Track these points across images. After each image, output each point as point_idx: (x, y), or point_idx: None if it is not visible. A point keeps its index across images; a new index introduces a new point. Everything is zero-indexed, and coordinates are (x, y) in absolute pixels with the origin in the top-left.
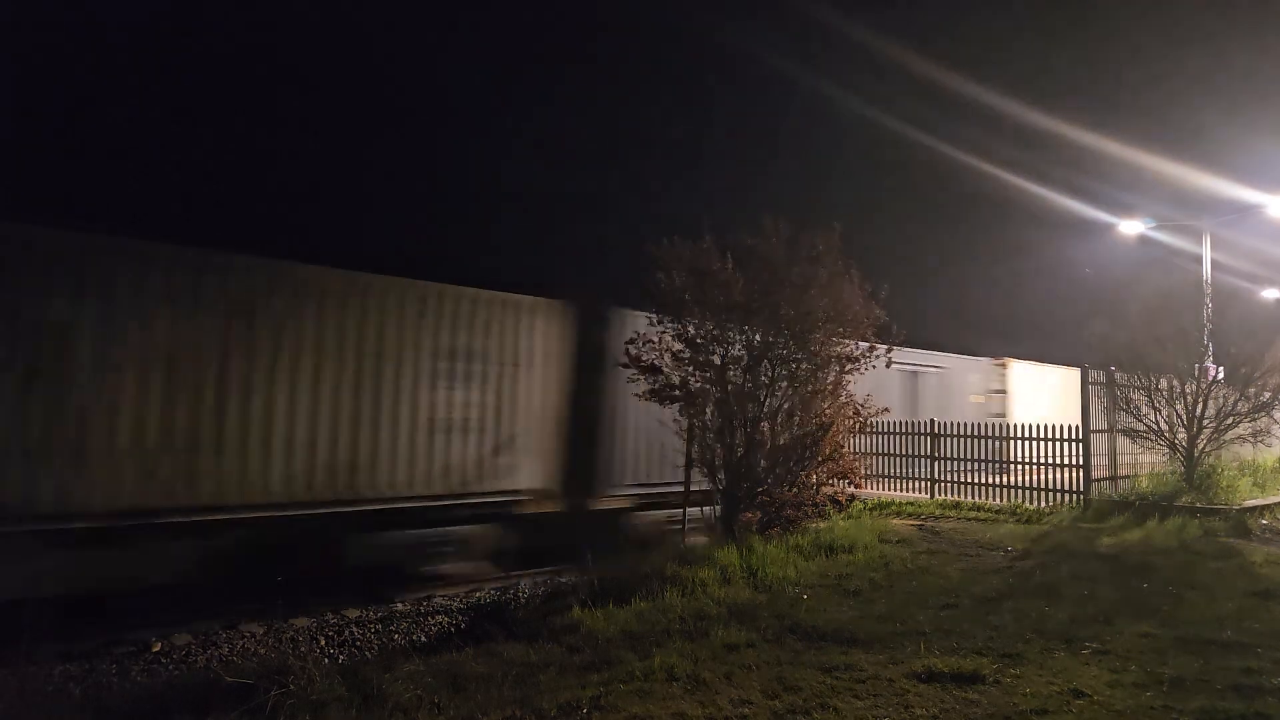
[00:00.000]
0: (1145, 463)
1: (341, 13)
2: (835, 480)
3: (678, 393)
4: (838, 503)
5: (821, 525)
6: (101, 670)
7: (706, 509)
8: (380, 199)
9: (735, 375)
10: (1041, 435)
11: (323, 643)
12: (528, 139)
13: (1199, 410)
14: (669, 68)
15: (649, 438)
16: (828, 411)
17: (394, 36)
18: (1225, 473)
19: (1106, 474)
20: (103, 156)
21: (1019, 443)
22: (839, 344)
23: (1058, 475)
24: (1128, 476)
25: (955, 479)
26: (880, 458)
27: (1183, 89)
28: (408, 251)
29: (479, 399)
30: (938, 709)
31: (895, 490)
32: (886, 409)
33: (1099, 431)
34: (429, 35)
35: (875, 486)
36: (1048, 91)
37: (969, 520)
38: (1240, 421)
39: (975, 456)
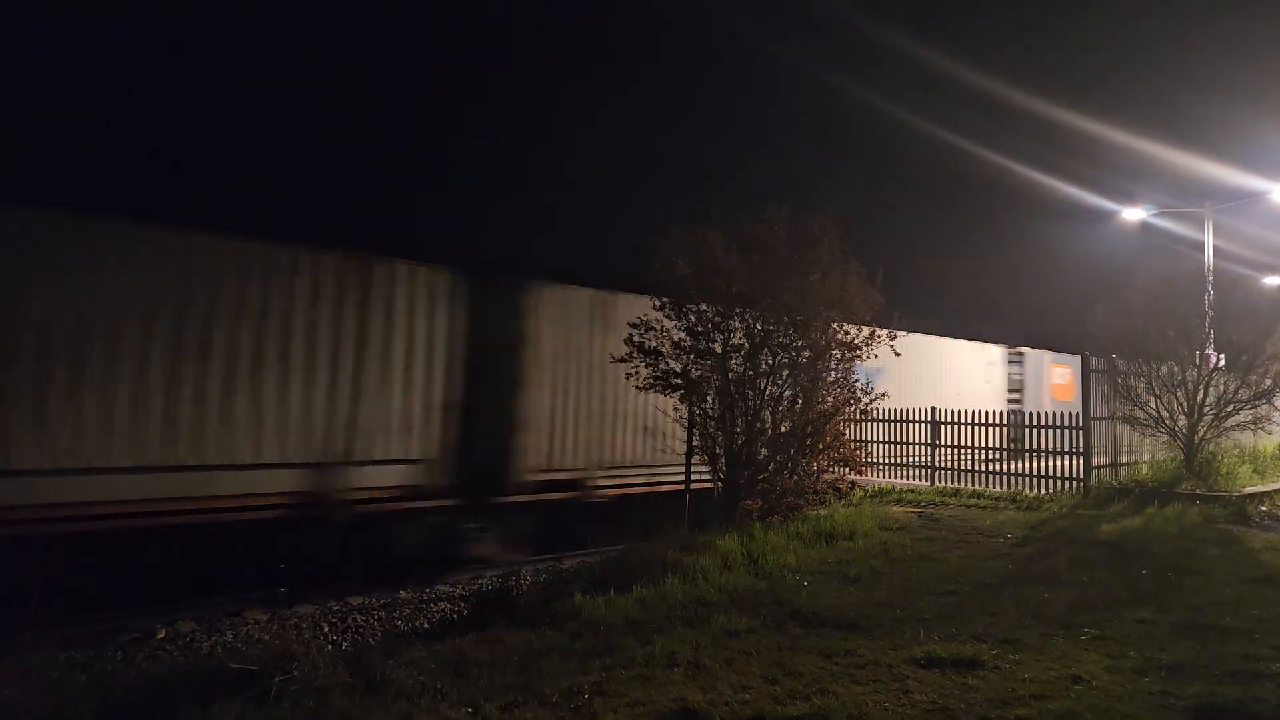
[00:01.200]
0: (1145, 449)
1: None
2: (836, 467)
3: (678, 380)
4: (838, 490)
5: (822, 512)
6: (106, 657)
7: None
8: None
9: (736, 363)
10: (1042, 423)
11: (326, 629)
12: (535, 126)
13: (1200, 397)
14: (675, 55)
15: None
16: (829, 399)
17: (407, 28)
18: (1225, 460)
19: (1106, 461)
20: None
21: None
22: (839, 331)
23: (1058, 462)
24: (1128, 464)
25: (954, 466)
26: (880, 444)
27: (1186, 76)
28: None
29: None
30: (937, 694)
31: (895, 477)
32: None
33: (1099, 419)
34: (443, 21)
35: (875, 474)
36: (1050, 79)
37: (969, 507)
38: (1241, 408)
39: (975, 444)
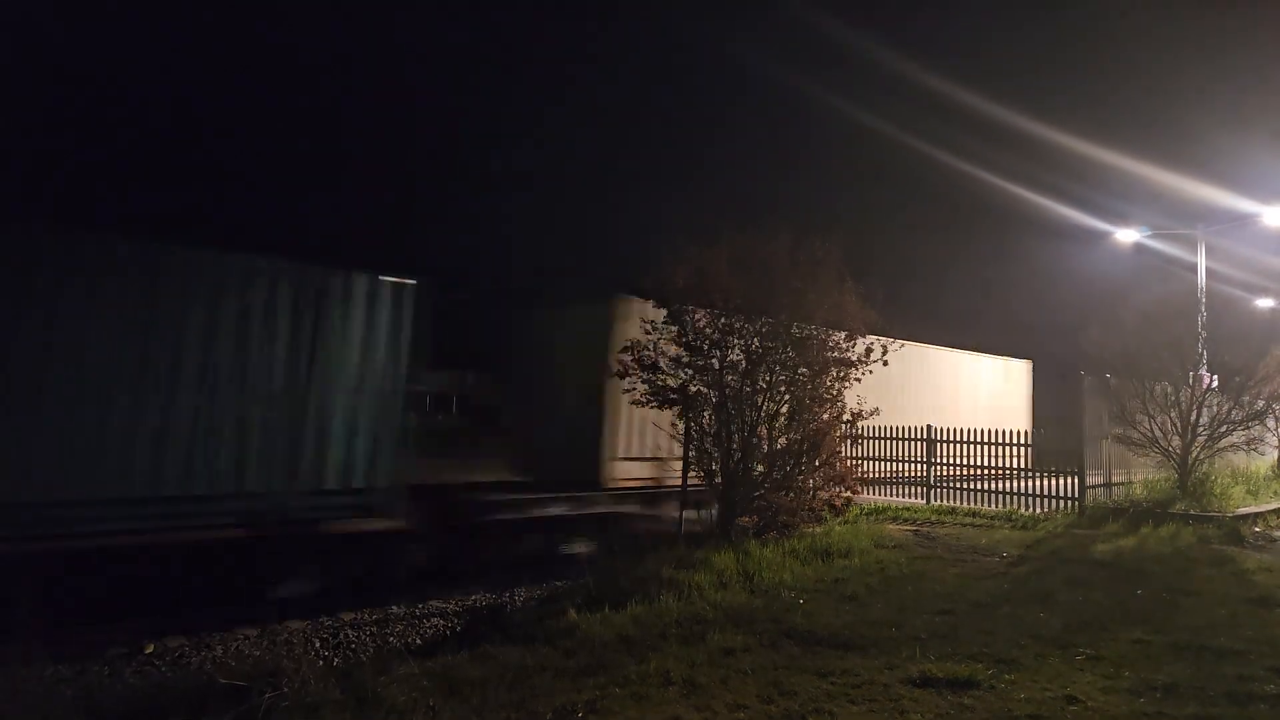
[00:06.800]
0: (1139, 469)
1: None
2: (832, 485)
3: (675, 396)
4: (834, 507)
5: (818, 530)
6: (94, 672)
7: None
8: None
9: (733, 379)
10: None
11: (317, 645)
12: (542, 141)
13: (1193, 418)
14: (678, 75)
15: None
16: (825, 416)
17: (417, 39)
18: (1219, 480)
19: (1101, 480)
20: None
21: (1016, 449)
22: (836, 349)
23: (1053, 482)
24: (1122, 483)
25: (951, 484)
26: (877, 462)
27: (1179, 99)
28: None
29: None
30: (933, 714)
31: (891, 495)
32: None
33: (1094, 438)
34: (453, 38)
35: (871, 491)
36: (1046, 101)
37: (965, 526)
38: (1234, 429)
39: (971, 462)
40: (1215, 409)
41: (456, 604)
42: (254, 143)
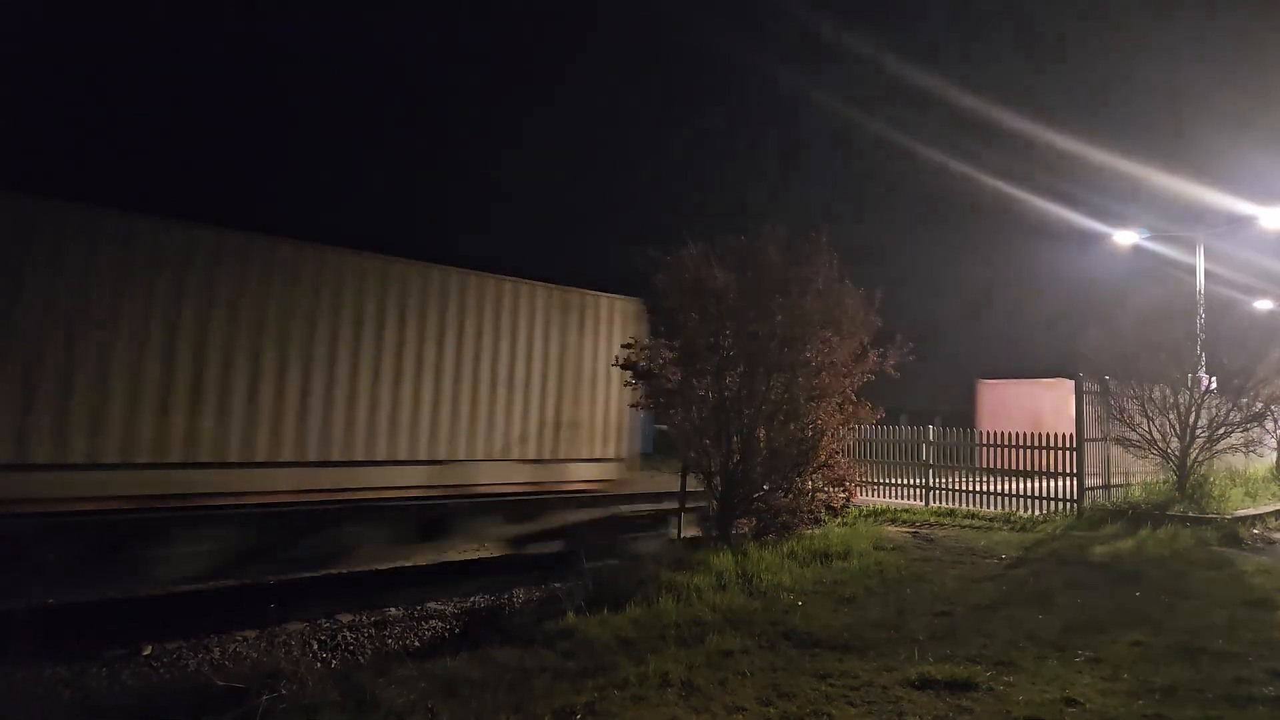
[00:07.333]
0: (1138, 471)
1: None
2: (830, 487)
3: (674, 398)
4: (833, 509)
5: (816, 532)
6: (91, 674)
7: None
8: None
9: (731, 381)
10: (1037, 443)
11: (315, 647)
12: (537, 142)
13: (1192, 420)
14: (675, 76)
15: None
16: (822, 417)
17: (404, 41)
18: (1217, 482)
19: (1099, 482)
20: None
21: (1015, 450)
22: (835, 351)
23: (1052, 484)
24: (1120, 485)
25: (950, 486)
26: (876, 464)
27: (1177, 101)
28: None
29: None
30: (931, 716)
31: (890, 497)
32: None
33: (1092, 440)
34: (440, 40)
35: (870, 493)
36: (1044, 103)
37: (963, 528)
38: (1232, 431)
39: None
40: (1214, 411)
41: (455, 606)
42: None
